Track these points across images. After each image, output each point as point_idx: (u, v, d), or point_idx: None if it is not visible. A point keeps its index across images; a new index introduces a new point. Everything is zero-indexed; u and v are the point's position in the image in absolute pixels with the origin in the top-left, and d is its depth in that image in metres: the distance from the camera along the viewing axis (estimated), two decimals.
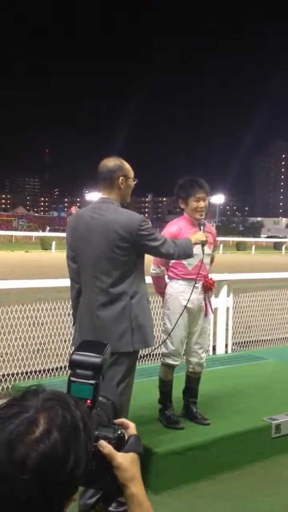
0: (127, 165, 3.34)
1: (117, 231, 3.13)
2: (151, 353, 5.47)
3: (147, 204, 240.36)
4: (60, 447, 0.92)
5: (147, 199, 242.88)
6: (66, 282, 5.70)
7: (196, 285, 3.95)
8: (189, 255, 3.50)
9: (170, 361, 4.00)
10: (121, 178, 3.27)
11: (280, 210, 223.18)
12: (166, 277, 4.12)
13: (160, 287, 4.13)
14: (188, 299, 3.91)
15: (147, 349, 3.98)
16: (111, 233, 3.14)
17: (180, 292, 3.95)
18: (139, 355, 3.41)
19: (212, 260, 4.19)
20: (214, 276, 5.60)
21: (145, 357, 5.77)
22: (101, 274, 3.19)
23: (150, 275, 4.02)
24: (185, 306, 3.92)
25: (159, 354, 4.18)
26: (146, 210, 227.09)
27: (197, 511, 3.31)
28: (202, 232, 3.79)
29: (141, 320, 3.22)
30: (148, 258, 3.48)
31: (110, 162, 3.31)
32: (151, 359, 5.92)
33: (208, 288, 4.06)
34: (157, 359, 4.85)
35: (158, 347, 4.08)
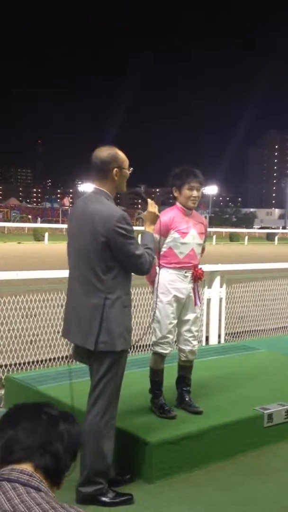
0: (121, 155, 3.19)
1: (97, 224, 3.02)
2: (136, 344, 5.46)
3: None
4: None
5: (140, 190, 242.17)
6: (59, 274, 5.72)
7: (186, 274, 3.99)
8: (154, 249, 3.35)
9: (159, 349, 4.02)
10: (115, 169, 3.14)
11: (273, 201, 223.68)
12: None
13: (150, 275, 4.13)
14: (177, 288, 3.96)
15: (136, 337, 3.94)
16: (93, 225, 3.04)
17: (170, 280, 3.98)
18: (124, 352, 3.21)
19: (202, 251, 4.21)
20: (207, 267, 5.62)
21: (135, 348, 5.78)
22: (83, 265, 3.11)
23: None
24: (174, 295, 3.96)
25: (149, 345, 4.18)
26: (139, 201, 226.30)
27: (190, 500, 3.33)
28: (149, 203, 3.48)
29: (112, 322, 3.07)
30: None
31: (104, 152, 3.16)
32: (144, 349, 5.92)
33: (198, 278, 4.08)
34: (148, 349, 4.82)
35: (139, 339, 4.07)
